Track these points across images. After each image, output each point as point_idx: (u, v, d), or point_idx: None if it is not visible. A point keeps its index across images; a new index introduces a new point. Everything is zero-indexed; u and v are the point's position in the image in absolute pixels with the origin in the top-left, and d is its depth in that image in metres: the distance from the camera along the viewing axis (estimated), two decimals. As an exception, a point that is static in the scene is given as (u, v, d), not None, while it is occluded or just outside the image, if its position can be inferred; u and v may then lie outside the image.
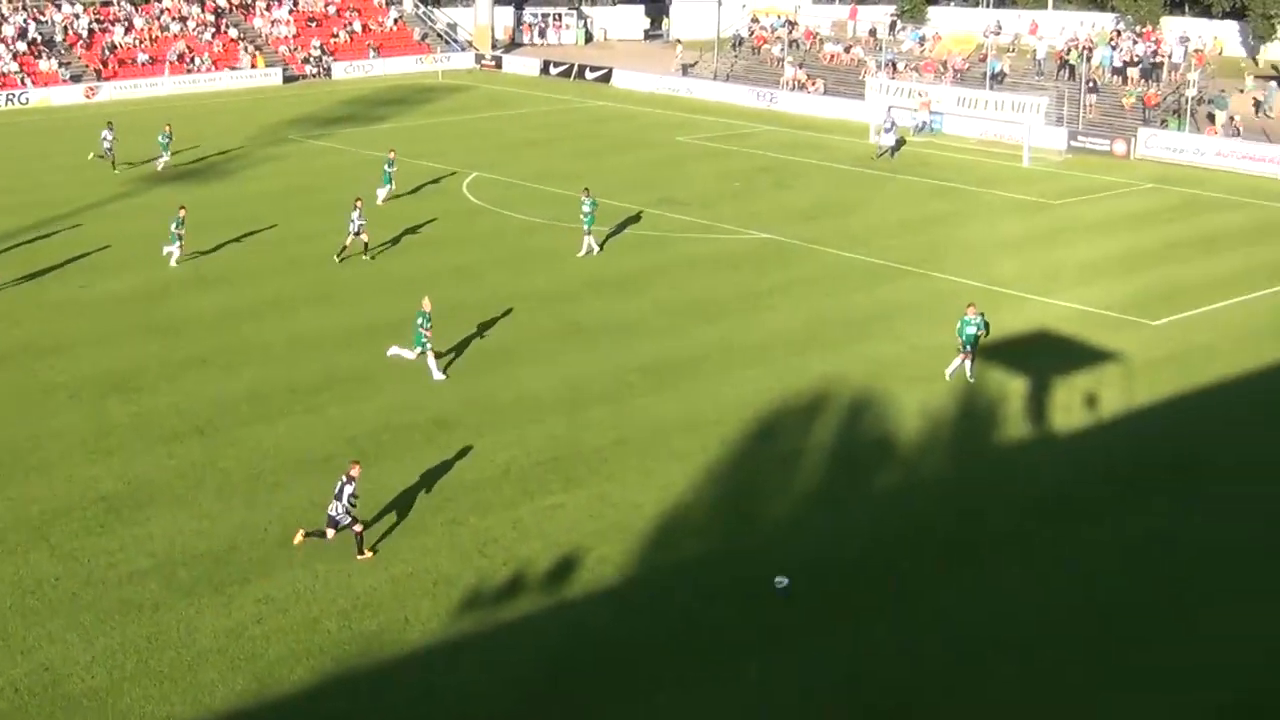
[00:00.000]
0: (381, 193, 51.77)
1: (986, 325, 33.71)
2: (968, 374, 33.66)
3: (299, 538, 25.29)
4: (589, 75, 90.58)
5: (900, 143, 64.06)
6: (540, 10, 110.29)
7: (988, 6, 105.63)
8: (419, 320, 33.76)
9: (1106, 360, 35.41)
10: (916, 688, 21.31)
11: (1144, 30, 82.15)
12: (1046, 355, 35.39)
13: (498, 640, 22.46)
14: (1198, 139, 63.96)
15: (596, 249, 45.61)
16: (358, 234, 44.40)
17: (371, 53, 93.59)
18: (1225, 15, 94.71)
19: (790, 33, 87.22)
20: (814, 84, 79.97)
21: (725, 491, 28.03)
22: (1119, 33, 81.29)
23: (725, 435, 30.49)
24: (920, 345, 36.35)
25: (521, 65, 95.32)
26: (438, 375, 33.80)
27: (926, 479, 28.94)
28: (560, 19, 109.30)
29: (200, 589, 23.83)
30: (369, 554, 25.09)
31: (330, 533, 24.97)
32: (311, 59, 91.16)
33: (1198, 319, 39.11)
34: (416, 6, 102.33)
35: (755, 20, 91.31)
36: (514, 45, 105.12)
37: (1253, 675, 21.56)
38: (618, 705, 20.87)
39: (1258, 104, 71.68)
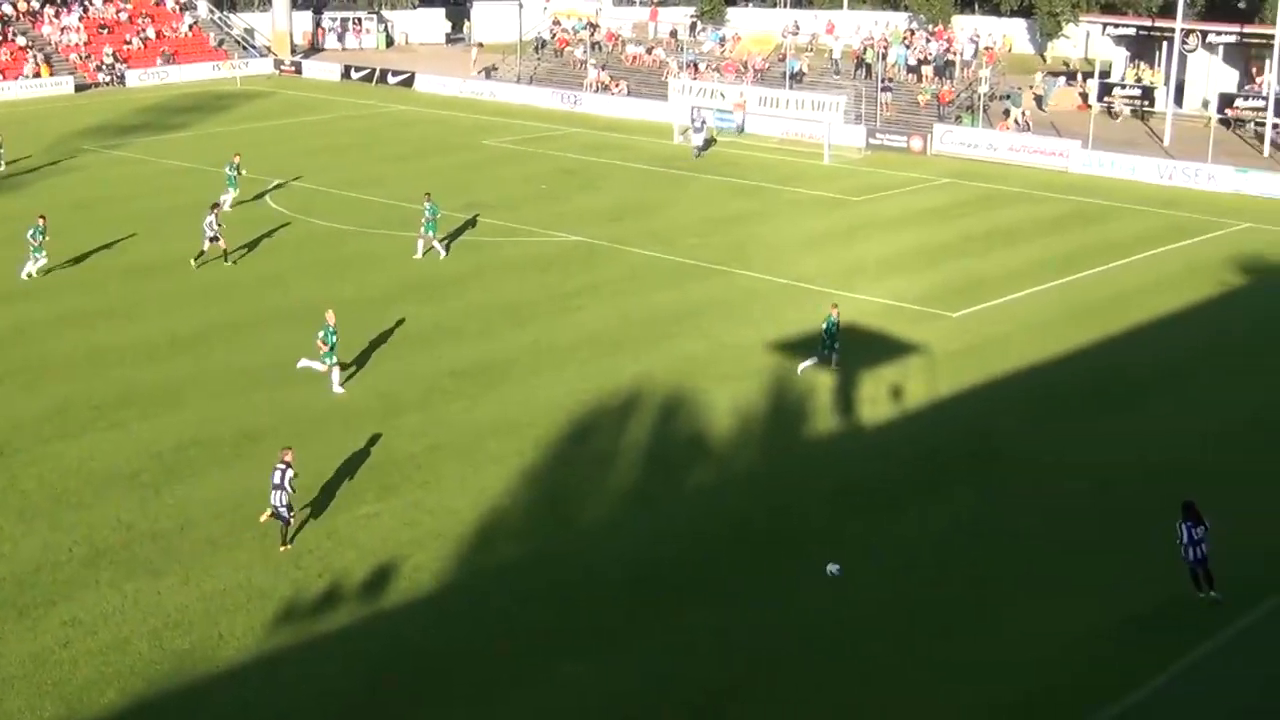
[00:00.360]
0: (226, 198, 50.72)
1: (838, 327, 34.45)
2: (833, 364, 34.47)
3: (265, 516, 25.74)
4: (391, 80, 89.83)
5: (709, 142, 64.75)
6: (340, 14, 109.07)
7: (785, 7, 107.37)
8: (322, 334, 33.15)
9: (909, 352, 36.26)
10: (732, 684, 21.59)
11: (936, 29, 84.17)
12: (851, 349, 36.03)
13: (314, 653, 22.22)
14: (991, 134, 65.79)
15: (443, 252, 45.60)
16: (215, 239, 43.86)
17: (167, 60, 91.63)
18: (1014, 13, 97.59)
19: (592, 35, 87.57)
20: (617, 85, 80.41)
21: (541, 494, 28.09)
22: (912, 31, 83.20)
23: (540, 438, 30.55)
24: (729, 343, 36.81)
25: (322, 70, 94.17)
26: (338, 389, 33.29)
27: (739, 475, 29.33)
28: (360, 23, 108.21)
29: (3, 614, 23.13)
30: (287, 548, 25.41)
31: (289, 518, 25.51)
32: (104, 67, 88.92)
33: (995, 310, 40.24)
34: (212, 12, 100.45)
35: (557, 23, 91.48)
36: (314, 50, 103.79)
37: (1046, 670, 22.12)
38: (435, 713, 20.80)
39: (1039, 99, 73.82)
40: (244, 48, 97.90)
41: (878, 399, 33.09)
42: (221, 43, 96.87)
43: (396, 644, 22.56)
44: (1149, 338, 38.24)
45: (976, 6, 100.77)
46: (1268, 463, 29.77)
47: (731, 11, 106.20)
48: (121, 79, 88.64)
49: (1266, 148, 63.63)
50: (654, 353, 36.04)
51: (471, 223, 49.46)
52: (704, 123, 65.23)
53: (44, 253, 42.76)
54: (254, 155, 61.73)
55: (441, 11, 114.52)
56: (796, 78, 74.57)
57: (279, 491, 25.36)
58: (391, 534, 26.03)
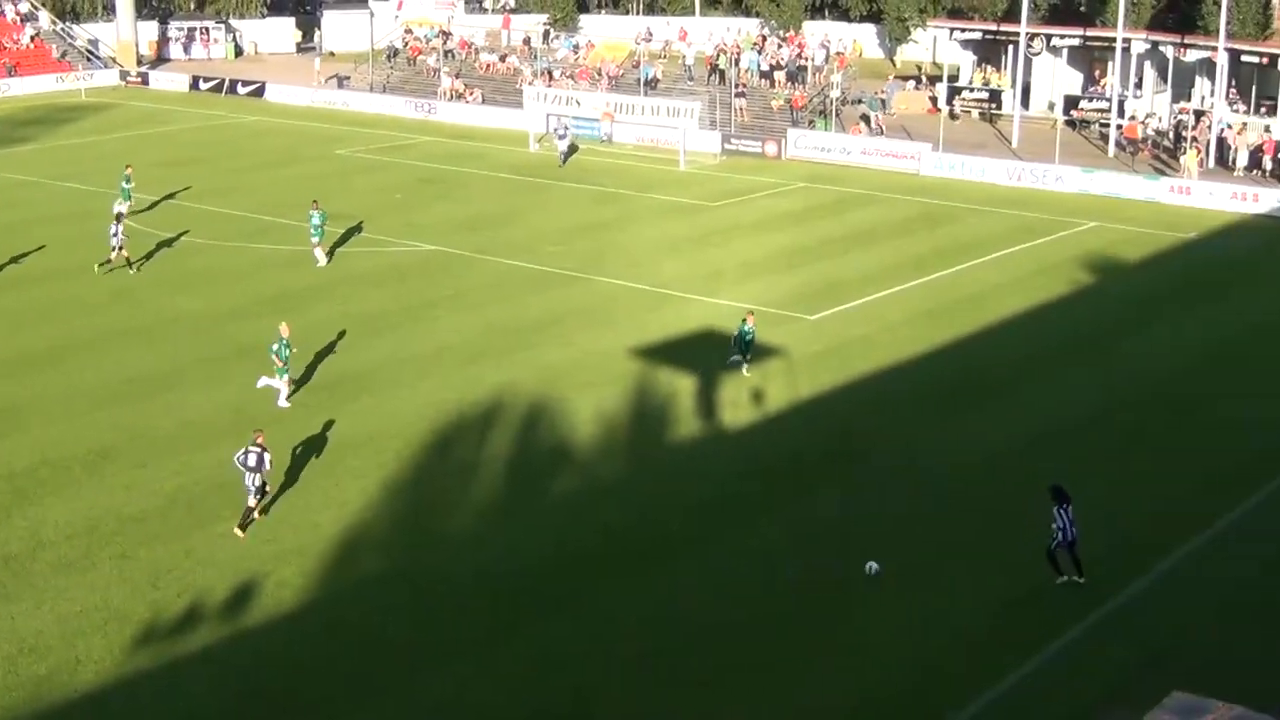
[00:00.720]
0: (123, 207, 49.40)
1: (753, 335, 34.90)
2: (744, 370, 34.83)
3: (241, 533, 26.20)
4: (241, 90, 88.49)
5: (573, 149, 64.67)
6: (186, 24, 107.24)
7: (638, 14, 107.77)
8: (275, 347, 32.48)
9: (769, 356, 36.47)
10: (596, 690, 21.55)
11: (788, 35, 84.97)
12: (713, 354, 36.22)
13: (176, 674, 21.76)
14: (844, 138, 66.53)
15: (325, 260, 45.47)
16: (120, 249, 43.60)
17: (8, 72, 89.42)
18: (863, 19, 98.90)
19: (445, 43, 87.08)
20: (472, 94, 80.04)
21: (403, 506, 27.80)
22: (764, 38, 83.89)
23: (401, 450, 30.24)
24: (591, 350, 36.75)
25: (169, 81, 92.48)
26: (283, 403, 32.74)
27: (602, 483, 29.27)
28: (208, 33, 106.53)
29: None
30: (243, 534, 26.15)
31: (254, 502, 26.35)
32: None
33: (853, 312, 40.66)
34: (54, 23, 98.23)
35: (409, 31, 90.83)
36: (160, 61, 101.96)
37: (915, 665, 22.46)
38: (304, 731, 20.50)
39: (883, 102, 74.74)
40: (88, 59, 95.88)
41: (739, 403, 33.25)
42: (65, 54, 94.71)
43: (260, 661, 22.19)
44: (1003, 336, 38.92)
45: (826, 12, 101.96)
46: (1117, 454, 30.43)
47: (584, 19, 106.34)
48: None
49: (1111, 148, 65.09)
50: (516, 361, 35.86)
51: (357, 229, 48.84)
52: (567, 130, 65.18)
53: None
54: (101, 168, 60.50)
55: (291, 20, 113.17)
56: (651, 84, 74.81)
57: (255, 474, 26.12)
58: (252, 551, 25.57)
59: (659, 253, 47.39)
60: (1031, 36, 70.04)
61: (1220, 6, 64.22)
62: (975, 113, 74.44)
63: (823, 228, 51.59)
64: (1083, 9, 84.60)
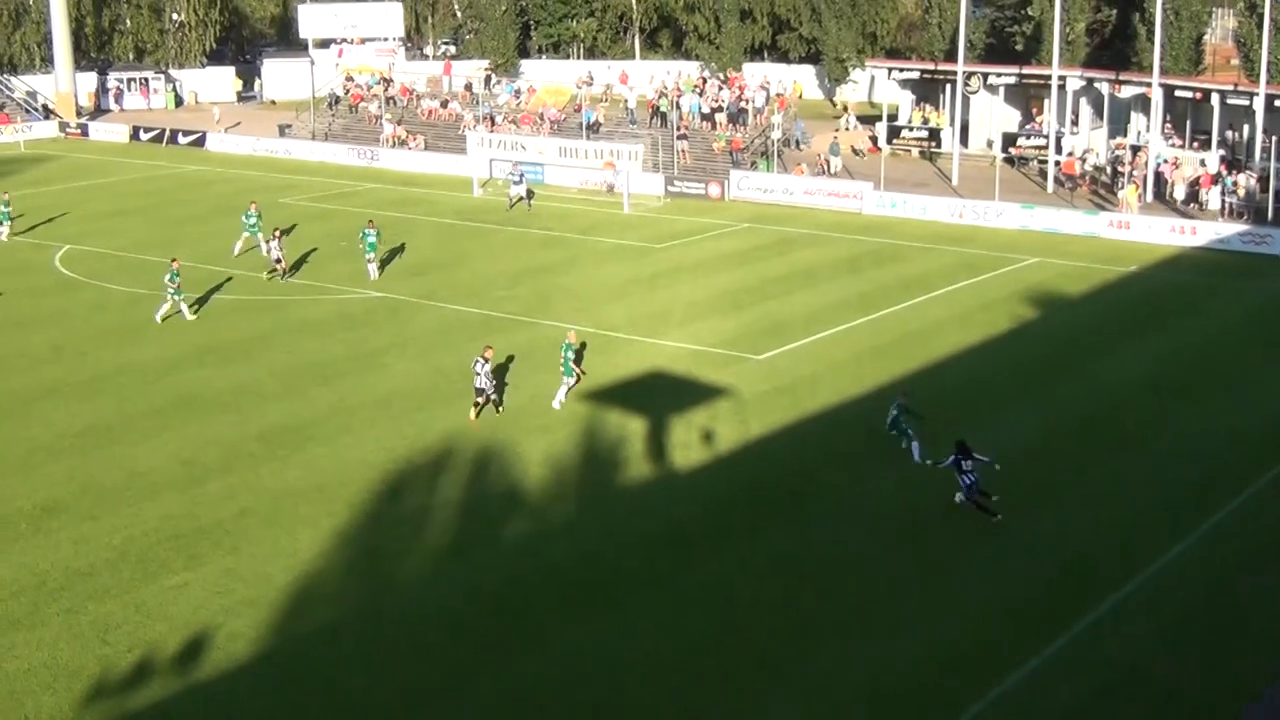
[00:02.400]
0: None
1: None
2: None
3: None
4: (182, 140, 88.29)
5: (530, 193, 64.61)
6: (126, 75, 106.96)
7: (578, 58, 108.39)
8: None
9: (718, 396, 36.57)
10: (560, 733, 21.46)
11: (728, 77, 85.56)
12: (660, 395, 36.31)
13: (128, 730, 21.51)
14: (786, 179, 66.95)
15: (377, 274, 49.32)
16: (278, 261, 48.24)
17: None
18: (802, 60, 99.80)
19: (386, 90, 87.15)
20: (414, 140, 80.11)
21: (355, 554, 27.63)
22: (705, 80, 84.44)
23: (351, 497, 30.09)
24: (539, 393, 36.70)
25: (109, 132, 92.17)
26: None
27: (554, 525, 29.19)
28: (147, 83, 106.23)
29: None
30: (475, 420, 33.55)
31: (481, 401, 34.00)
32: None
33: (800, 351, 40.83)
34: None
35: (350, 79, 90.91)
36: (100, 112, 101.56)
37: (870, 700, 22.48)
38: (260, 784, 20.28)
39: (797, 142, 75.21)
40: (26, 110, 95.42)
41: (689, 443, 33.29)
42: (3, 106, 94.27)
43: (213, 714, 21.92)
44: (948, 371, 39.15)
45: (766, 54, 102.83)
46: (1063, 484, 30.65)
47: (525, 64, 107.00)
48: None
49: (1050, 184, 65.83)
50: (465, 407, 35.73)
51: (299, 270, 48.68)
52: (522, 176, 65.22)
53: None
54: (41, 221, 60.06)
55: (231, 70, 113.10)
56: (593, 128, 75.13)
57: (479, 377, 34.05)
58: (203, 603, 25.34)
59: (605, 295, 47.48)
60: (969, 75, 70.83)
61: (1154, 43, 65.15)
62: (915, 151, 75.13)
63: (768, 268, 51.84)
64: (1018, 48, 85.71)
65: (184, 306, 44.51)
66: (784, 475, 31.53)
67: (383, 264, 50.94)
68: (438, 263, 53.00)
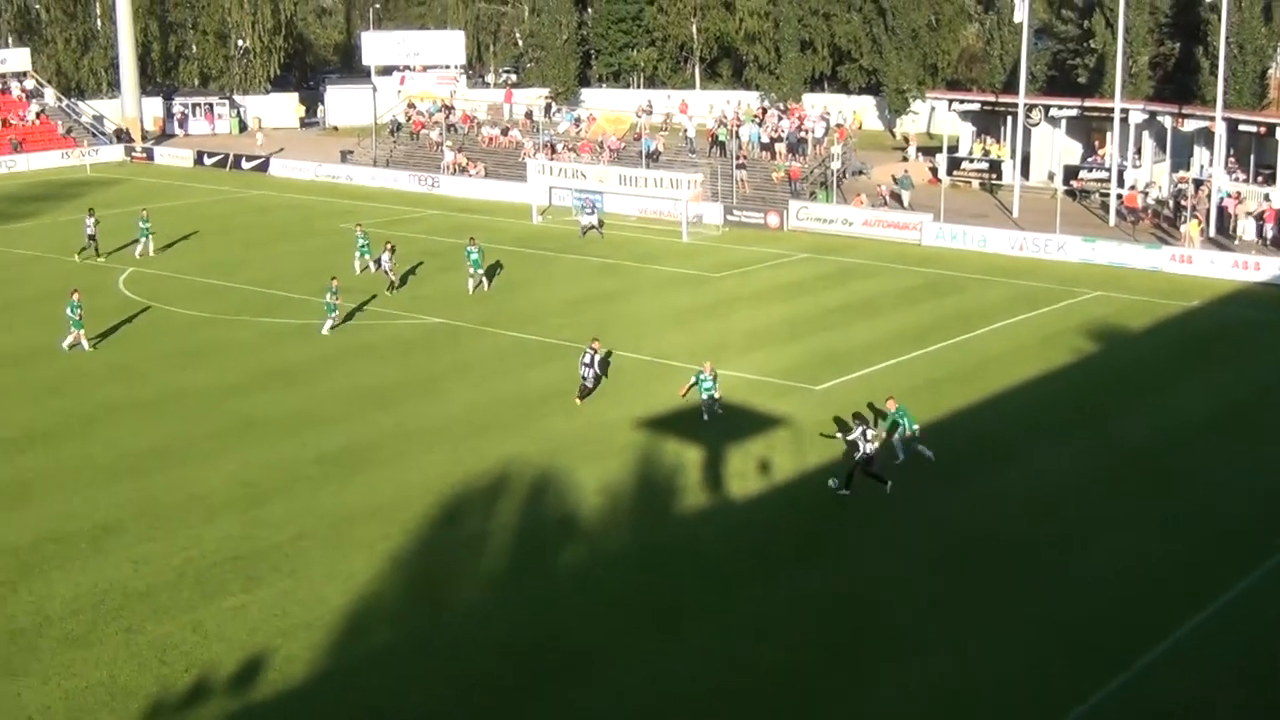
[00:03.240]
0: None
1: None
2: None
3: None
4: (245, 165, 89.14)
5: (601, 223, 64.76)
6: (191, 100, 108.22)
7: (639, 87, 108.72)
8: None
9: (775, 426, 36.48)
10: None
11: (788, 107, 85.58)
12: (717, 424, 36.24)
13: (184, 750, 21.64)
14: (845, 209, 66.80)
15: (480, 285, 51.74)
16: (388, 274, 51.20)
17: (14, 148, 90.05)
18: (862, 91, 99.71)
19: (447, 117, 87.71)
20: (475, 167, 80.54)
21: (411, 578, 27.72)
22: (764, 110, 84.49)
23: (408, 522, 30.19)
24: (596, 421, 36.76)
25: (174, 156, 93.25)
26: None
27: (609, 553, 29.17)
28: (212, 109, 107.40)
29: None
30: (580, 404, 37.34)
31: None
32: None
33: (857, 382, 40.68)
34: (59, 99, 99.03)
35: (412, 106, 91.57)
36: (165, 136, 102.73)
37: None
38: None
39: (858, 172, 75.11)
40: (94, 135, 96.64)
41: (746, 473, 33.21)
42: (70, 130, 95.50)
43: (268, 738, 22.07)
44: (1007, 404, 38.90)
45: (826, 85, 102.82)
46: (1121, 521, 30.37)
47: (586, 92, 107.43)
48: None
49: (1112, 218, 65.42)
50: (522, 433, 35.87)
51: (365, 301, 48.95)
52: (594, 206, 65.40)
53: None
54: (107, 243, 60.76)
55: (295, 96, 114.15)
56: (653, 157, 75.28)
57: (589, 370, 37.94)
58: (260, 625, 25.48)
59: (663, 324, 47.51)
60: (1030, 107, 70.57)
61: (1217, 77, 64.71)
62: (975, 183, 74.86)
63: (826, 298, 51.74)
64: (1081, 80, 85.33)
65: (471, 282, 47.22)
66: (840, 506, 31.38)
67: (487, 274, 53.68)
68: (496, 289, 53.22)
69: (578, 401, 38.14)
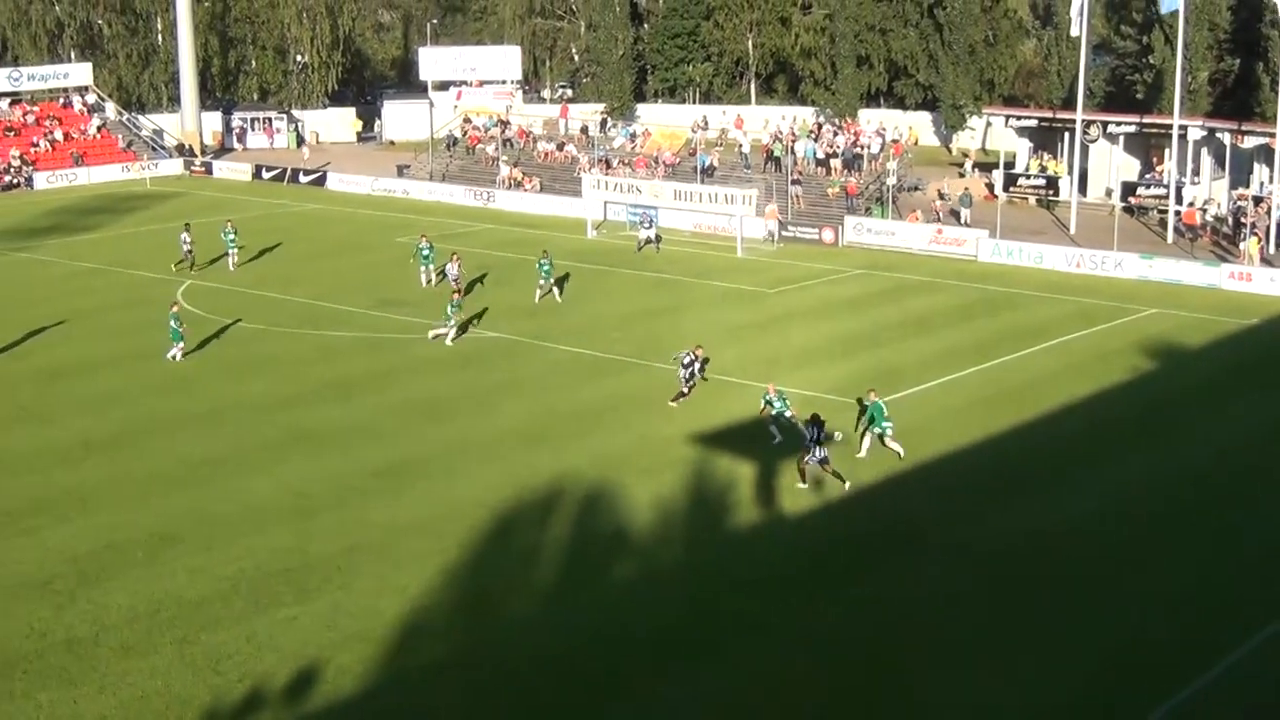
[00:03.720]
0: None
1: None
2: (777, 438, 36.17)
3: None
4: (303, 179, 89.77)
5: (659, 237, 64.79)
6: (249, 114, 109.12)
7: (694, 102, 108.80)
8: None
9: (828, 442, 36.28)
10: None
11: (844, 122, 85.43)
12: (771, 439, 36.15)
13: (236, 760, 21.77)
14: (902, 225, 66.57)
15: (558, 294, 52.62)
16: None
17: (75, 161, 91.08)
18: (918, 106, 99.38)
19: (503, 132, 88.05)
20: (530, 182, 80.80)
21: (463, 592, 27.79)
22: (820, 125, 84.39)
23: (460, 535, 30.27)
24: (650, 436, 36.78)
25: (232, 170, 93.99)
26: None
27: (661, 568, 29.16)
28: (270, 123, 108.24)
29: (-88, 729, 22.51)
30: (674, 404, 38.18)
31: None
32: (11, 169, 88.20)
33: (912, 398, 40.50)
34: (120, 114, 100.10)
35: (468, 120, 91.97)
36: (224, 150, 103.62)
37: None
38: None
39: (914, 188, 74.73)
40: (153, 149, 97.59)
41: (798, 489, 33.12)
42: (130, 144, 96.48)
43: (320, 749, 22.17)
44: (1063, 422, 38.65)
45: (882, 100, 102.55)
46: (1178, 539, 30.11)
47: (641, 107, 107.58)
48: (29, 181, 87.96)
49: (1170, 234, 64.93)
50: (575, 447, 35.92)
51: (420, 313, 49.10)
52: (652, 220, 65.45)
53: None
54: (166, 256, 61.33)
55: (352, 110, 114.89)
56: (707, 172, 75.30)
57: (688, 369, 38.56)
58: (312, 636, 25.61)
59: (717, 339, 47.42)
60: (1088, 124, 70.19)
61: (1278, 93, 64.12)
62: (1032, 199, 74.48)
63: (881, 314, 51.57)
64: (1139, 96, 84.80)
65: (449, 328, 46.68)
66: (892, 522, 31.29)
67: (558, 284, 54.54)
68: (551, 304, 53.34)
69: (671, 404, 39.04)
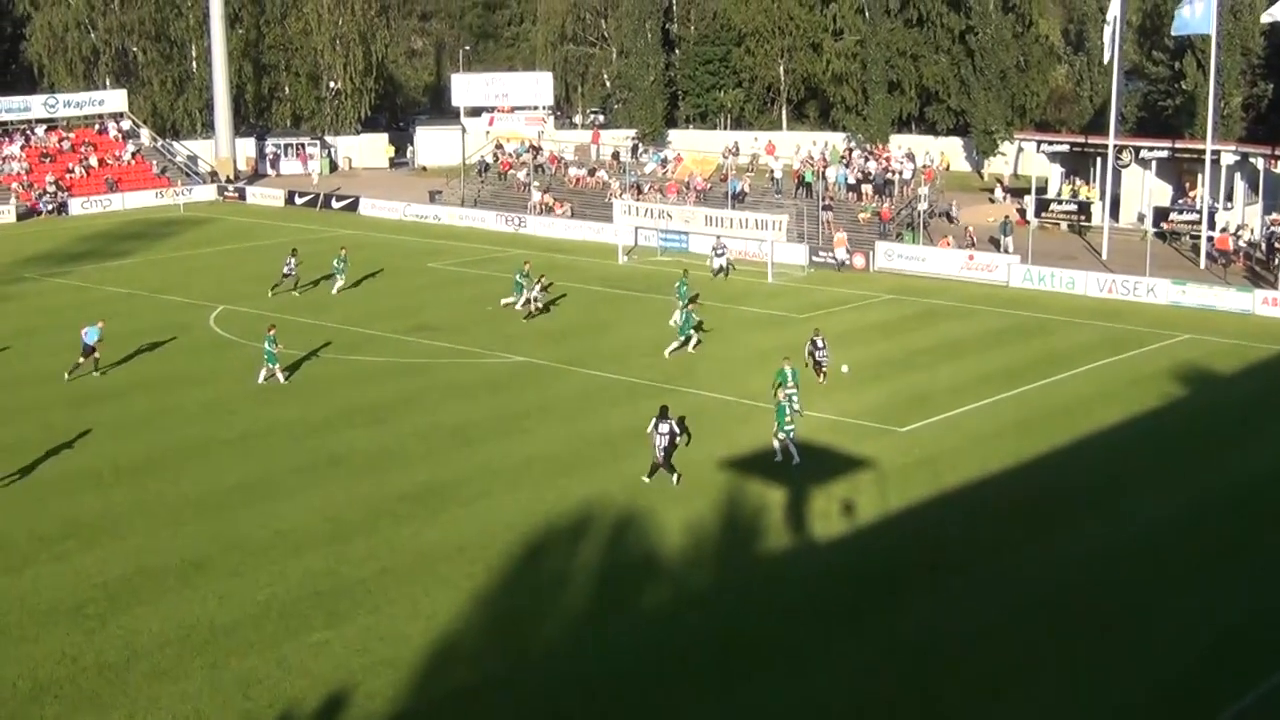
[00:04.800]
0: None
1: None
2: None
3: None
4: (335, 204, 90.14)
5: (731, 266, 64.61)
6: (282, 140, 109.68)
7: (725, 128, 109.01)
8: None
9: (859, 468, 36.28)
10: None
11: (875, 148, 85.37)
12: (802, 465, 36.08)
13: (266, 785, 21.76)
14: (933, 250, 66.43)
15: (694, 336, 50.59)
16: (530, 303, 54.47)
17: (110, 187, 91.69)
18: (950, 132, 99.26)
19: (535, 158, 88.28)
20: (561, 207, 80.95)
21: (494, 617, 27.78)
22: (850, 151, 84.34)
23: (491, 560, 30.27)
24: (680, 460, 36.58)
25: (265, 196, 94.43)
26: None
27: (693, 594, 29.10)
28: (303, 149, 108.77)
29: (-56, 752, 22.59)
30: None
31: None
32: (47, 195, 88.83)
33: (943, 424, 40.39)
34: (154, 140, 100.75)
35: (500, 146, 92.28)
36: (257, 176, 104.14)
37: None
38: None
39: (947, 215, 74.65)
40: (187, 174, 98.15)
41: (830, 515, 33.04)
42: (165, 170, 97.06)
43: (349, 774, 22.14)
44: (1096, 448, 38.48)
45: (913, 126, 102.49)
46: (1212, 565, 29.89)
47: (673, 133, 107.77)
48: (64, 207, 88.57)
49: (1203, 260, 64.66)
50: (606, 472, 35.90)
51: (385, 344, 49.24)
52: (724, 248, 65.08)
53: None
54: (199, 281, 61.72)
55: (385, 136, 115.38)
56: (739, 198, 75.35)
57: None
58: (343, 661, 25.63)
59: (747, 365, 47.39)
60: (1120, 149, 69.97)
61: (1312, 118, 63.87)
62: (1064, 225, 74.25)
63: (912, 339, 51.44)
64: (1171, 121, 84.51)
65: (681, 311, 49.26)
66: (924, 549, 31.15)
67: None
68: (581, 329, 53.41)
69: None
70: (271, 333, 45.23)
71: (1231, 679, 24.88)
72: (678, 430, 34.98)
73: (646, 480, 34.85)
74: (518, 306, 55.28)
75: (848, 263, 66.44)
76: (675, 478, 34.62)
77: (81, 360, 45.62)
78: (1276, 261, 60.79)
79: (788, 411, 36.35)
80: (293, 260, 60.21)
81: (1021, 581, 29.32)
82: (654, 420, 34.83)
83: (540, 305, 55.63)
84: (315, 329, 52.35)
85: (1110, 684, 24.74)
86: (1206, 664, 25.50)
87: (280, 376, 44.93)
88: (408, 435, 39.38)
